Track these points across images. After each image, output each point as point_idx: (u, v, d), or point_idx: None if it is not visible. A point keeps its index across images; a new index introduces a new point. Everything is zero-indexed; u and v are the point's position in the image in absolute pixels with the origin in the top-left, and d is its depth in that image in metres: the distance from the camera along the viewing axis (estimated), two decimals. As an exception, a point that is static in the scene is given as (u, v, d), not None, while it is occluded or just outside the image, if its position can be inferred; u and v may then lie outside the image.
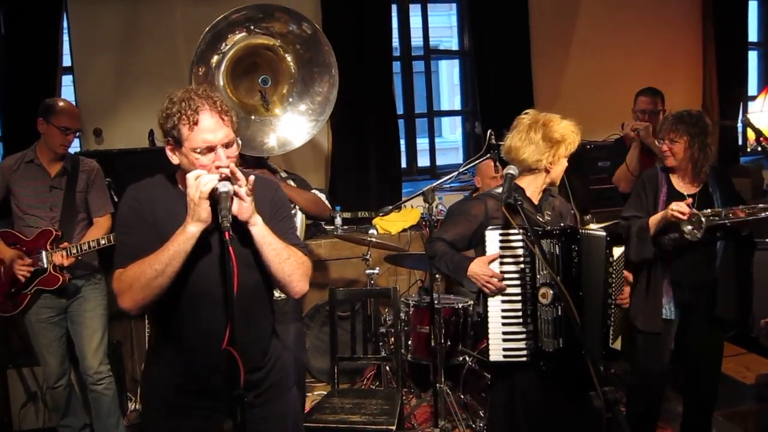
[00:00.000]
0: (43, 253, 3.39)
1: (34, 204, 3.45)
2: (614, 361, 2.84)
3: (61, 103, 3.48)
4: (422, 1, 5.79)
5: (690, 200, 3.08)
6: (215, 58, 3.33)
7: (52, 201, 3.47)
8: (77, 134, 3.55)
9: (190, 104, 1.89)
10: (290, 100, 3.47)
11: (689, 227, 3.00)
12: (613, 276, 2.51)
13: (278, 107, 3.46)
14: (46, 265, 3.40)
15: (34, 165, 3.46)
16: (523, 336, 2.51)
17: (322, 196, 3.52)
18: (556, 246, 2.46)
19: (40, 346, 3.51)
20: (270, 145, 3.42)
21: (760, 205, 3.10)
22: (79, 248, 3.39)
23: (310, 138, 3.51)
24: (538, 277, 2.49)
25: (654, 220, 3.13)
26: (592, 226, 2.61)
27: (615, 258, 2.52)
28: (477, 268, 2.54)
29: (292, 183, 3.44)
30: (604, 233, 2.51)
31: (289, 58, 3.45)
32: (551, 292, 2.44)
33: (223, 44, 3.33)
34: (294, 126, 3.45)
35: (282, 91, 3.47)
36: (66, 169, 3.50)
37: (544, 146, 2.57)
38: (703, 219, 2.96)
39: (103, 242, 3.39)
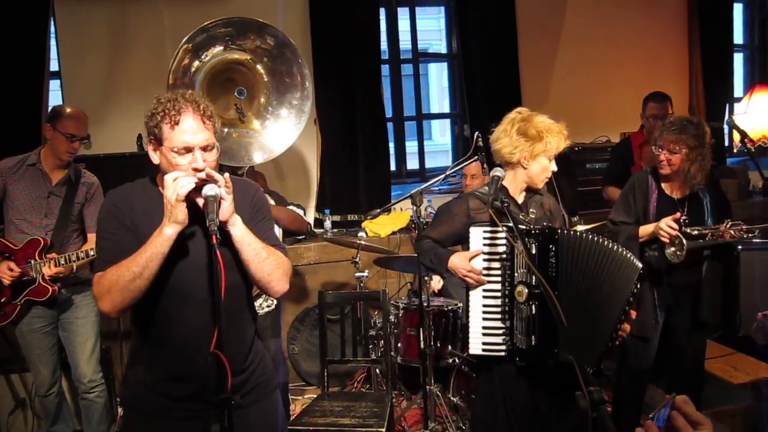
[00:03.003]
0: (32, 262, 3.33)
1: (29, 209, 3.39)
2: (596, 378, 2.87)
3: (68, 110, 3.44)
4: (411, 4, 5.81)
5: (679, 215, 3.08)
6: (196, 64, 3.39)
7: (48, 208, 3.41)
8: (84, 142, 3.50)
9: (175, 105, 1.92)
10: (269, 109, 3.54)
11: (672, 249, 3.04)
12: (631, 304, 2.53)
13: (256, 119, 3.53)
14: (35, 275, 3.34)
15: (36, 169, 3.41)
16: (501, 332, 2.55)
17: (300, 212, 3.56)
18: (533, 245, 2.48)
19: (33, 355, 3.46)
20: (251, 155, 3.49)
21: (747, 229, 3.10)
22: (67, 258, 3.34)
23: (290, 145, 3.57)
24: (516, 275, 2.52)
25: (645, 230, 3.14)
26: (580, 227, 2.61)
27: (637, 289, 2.54)
28: (457, 260, 2.60)
29: (269, 199, 3.47)
30: (640, 265, 2.50)
31: (262, 70, 3.52)
32: (526, 290, 2.48)
33: (204, 54, 3.41)
34: (273, 134, 3.53)
35: (259, 101, 3.53)
36: (70, 177, 3.45)
37: (517, 140, 2.59)
38: (684, 242, 3.00)
39: (92, 253, 3.31)
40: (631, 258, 2.50)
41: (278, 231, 3.45)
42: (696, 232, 3.10)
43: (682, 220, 3.11)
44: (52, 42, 4.75)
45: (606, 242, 2.51)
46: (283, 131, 3.55)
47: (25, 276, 3.33)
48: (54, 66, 4.82)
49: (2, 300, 3.37)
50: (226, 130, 3.44)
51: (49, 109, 3.64)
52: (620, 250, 2.50)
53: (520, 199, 2.71)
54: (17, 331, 3.45)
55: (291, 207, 3.56)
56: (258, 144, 3.51)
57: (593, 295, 2.49)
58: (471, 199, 2.71)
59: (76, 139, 3.40)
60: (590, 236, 2.52)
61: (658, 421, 1.11)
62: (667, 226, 3.03)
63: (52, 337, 3.51)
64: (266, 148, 3.51)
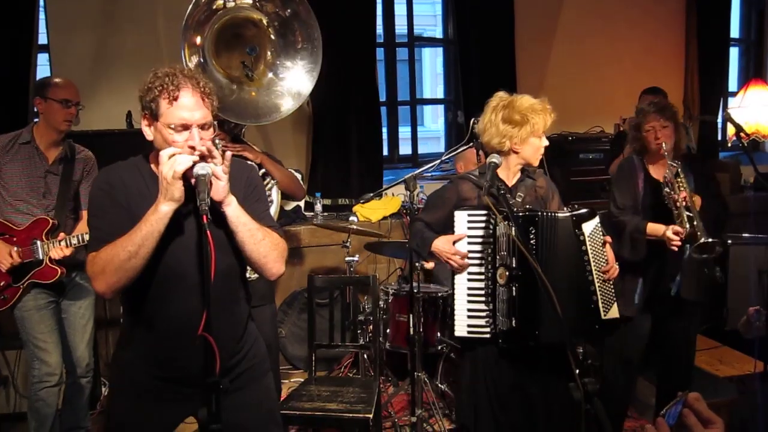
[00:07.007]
0: (38, 243, 3.13)
1: (26, 189, 3.19)
2: (611, 333, 2.82)
3: (57, 79, 3.31)
4: (407, -12, 5.75)
5: (681, 229, 3.01)
6: (220, 2, 3.34)
7: (46, 187, 3.23)
8: (79, 108, 3.30)
9: (173, 80, 1.88)
10: (277, 63, 3.49)
11: (704, 255, 2.95)
12: (589, 253, 2.52)
13: (269, 72, 3.47)
14: (41, 257, 3.14)
15: (30, 147, 3.20)
16: (484, 314, 2.56)
17: (298, 176, 3.50)
18: (512, 228, 2.46)
19: (42, 334, 3.19)
20: (280, 107, 3.45)
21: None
22: (80, 238, 3.13)
23: (315, 80, 3.56)
24: (498, 258, 2.51)
25: (655, 231, 3.08)
26: (560, 214, 2.62)
27: (588, 233, 2.53)
28: (440, 244, 2.60)
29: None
30: (568, 214, 2.52)
31: (271, 32, 3.48)
32: (507, 273, 2.49)
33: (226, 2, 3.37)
34: (294, 78, 3.50)
35: (266, 59, 3.47)
36: (66, 154, 3.27)
37: (504, 129, 2.56)
38: (702, 239, 2.90)
39: None
40: (559, 215, 2.53)
41: (275, 193, 3.41)
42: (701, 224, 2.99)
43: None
44: (41, 14, 4.64)
45: (549, 215, 2.53)
46: (302, 72, 3.53)
47: (28, 260, 3.14)
48: (42, 39, 4.72)
49: (2, 283, 3.12)
50: (235, 86, 3.35)
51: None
52: (552, 215, 2.53)
53: (511, 183, 2.69)
54: (18, 313, 3.19)
55: (290, 170, 3.51)
56: (279, 94, 3.46)
57: (564, 268, 2.51)
58: (462, 183, 2.69)
59: (71, 105, 3.21)
60: (549, 213, 2.54)
61: (669, 418, 1.10)
62: (673, 234, 2.99)
63: (57, 318, 3.30)
64: (293, 92, 3.47)
